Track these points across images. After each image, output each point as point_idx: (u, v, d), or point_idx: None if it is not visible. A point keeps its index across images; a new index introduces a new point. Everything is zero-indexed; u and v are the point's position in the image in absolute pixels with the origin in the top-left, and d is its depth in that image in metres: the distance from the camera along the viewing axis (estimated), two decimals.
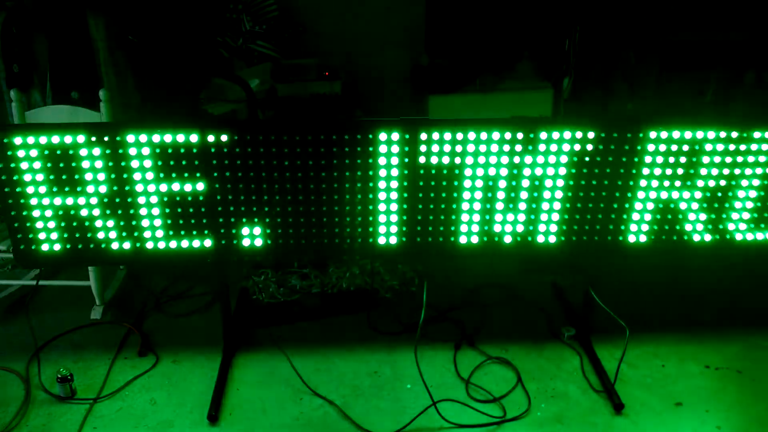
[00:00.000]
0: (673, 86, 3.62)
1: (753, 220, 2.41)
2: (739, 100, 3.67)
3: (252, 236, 2.32)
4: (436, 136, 2.19)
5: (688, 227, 2.39)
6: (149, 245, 2.32)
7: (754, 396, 2.44)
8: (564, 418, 2.33)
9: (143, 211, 2.26)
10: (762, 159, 2.30)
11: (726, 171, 2.31)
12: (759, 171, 2.32)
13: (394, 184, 2.26)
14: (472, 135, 2.19)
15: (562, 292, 3.05)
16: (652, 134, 2.23)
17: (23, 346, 2.67)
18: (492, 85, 3.79)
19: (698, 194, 2.34)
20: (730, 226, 2.41)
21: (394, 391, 2.46)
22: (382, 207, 2.29)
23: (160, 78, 3.50)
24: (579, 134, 2.21)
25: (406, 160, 2.22)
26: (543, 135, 2.20)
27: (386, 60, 4.11)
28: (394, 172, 2.24)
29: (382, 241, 2.35)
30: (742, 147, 2.27)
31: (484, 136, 2.19)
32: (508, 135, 2.20)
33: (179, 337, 2.79)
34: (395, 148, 2.20)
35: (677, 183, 2.31)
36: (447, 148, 2.21)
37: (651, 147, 2.24)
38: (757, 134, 2.26)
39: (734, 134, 2.25)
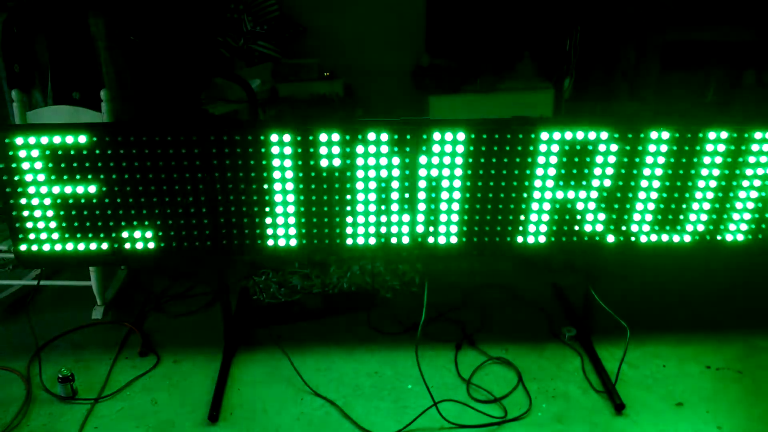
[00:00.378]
0: (673, 86, 3.62)
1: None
2: (738, 100, 3.68)
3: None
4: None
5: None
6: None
7: (755, 396, 2.43)
8: (565, 419, 2.33)
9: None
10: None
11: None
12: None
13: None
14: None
15: (563, 293, 3.05)
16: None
17: (24, 346, 2.67)
18: (493, 85, 3.80)
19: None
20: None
21: (394, 391, 2.46)
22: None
23: (161, 78, 3.50)
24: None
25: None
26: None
27: (387, 60, 4.11)
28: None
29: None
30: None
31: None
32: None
33: (180, 337, 2.80)
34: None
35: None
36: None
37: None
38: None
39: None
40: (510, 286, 3.12)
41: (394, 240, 2.37)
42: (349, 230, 2.34)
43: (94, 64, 3.09)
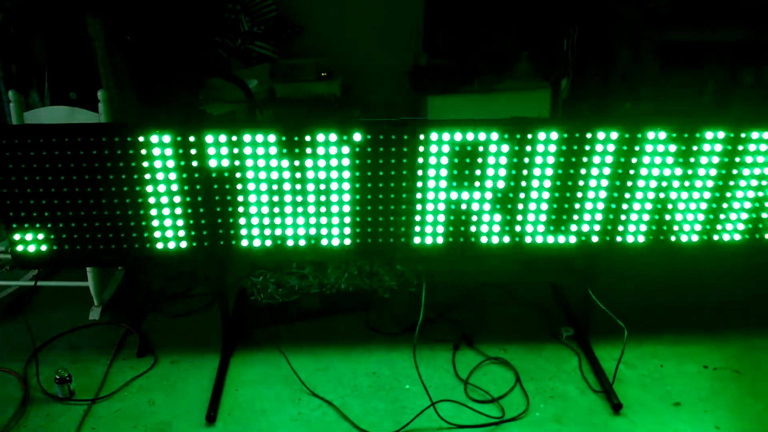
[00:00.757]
0: (671, 86, 3.63)
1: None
2: (736, 100, 3.68)
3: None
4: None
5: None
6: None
7: (753, 396, 2.44)
8: (563, 419, 2.33)
9: None
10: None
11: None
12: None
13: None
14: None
15: (561, 293, 3.05)
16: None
17: (21, 346, 2.67)
18: (491, 85, 3.79)
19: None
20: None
21: (392, 391, 2.46)
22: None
23: (159, 78, 3.50)
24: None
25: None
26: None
27: (385, 60, 4.11)
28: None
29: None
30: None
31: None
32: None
33: (177, 337, 2.79)
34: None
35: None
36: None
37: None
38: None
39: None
40: (508, 286, 3.12)
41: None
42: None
43: (91, 65, 3.09)
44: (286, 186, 2.27)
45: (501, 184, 2.30)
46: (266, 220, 2.32)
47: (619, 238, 2.43)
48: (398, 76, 4.04)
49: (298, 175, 2.25)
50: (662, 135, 2.26)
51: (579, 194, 2.33)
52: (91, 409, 2.38)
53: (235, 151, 2.21)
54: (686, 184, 2.35)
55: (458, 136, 2.22)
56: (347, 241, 2.38)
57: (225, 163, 2.23)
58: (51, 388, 2.43)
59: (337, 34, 4.09)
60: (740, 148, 2.31)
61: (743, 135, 2.29)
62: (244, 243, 2.36)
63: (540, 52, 3.90)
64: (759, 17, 3.40)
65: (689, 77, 3.65)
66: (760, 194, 2.39)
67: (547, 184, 2.31)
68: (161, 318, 2.94)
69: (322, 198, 2.30)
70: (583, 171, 2.29)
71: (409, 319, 2.83)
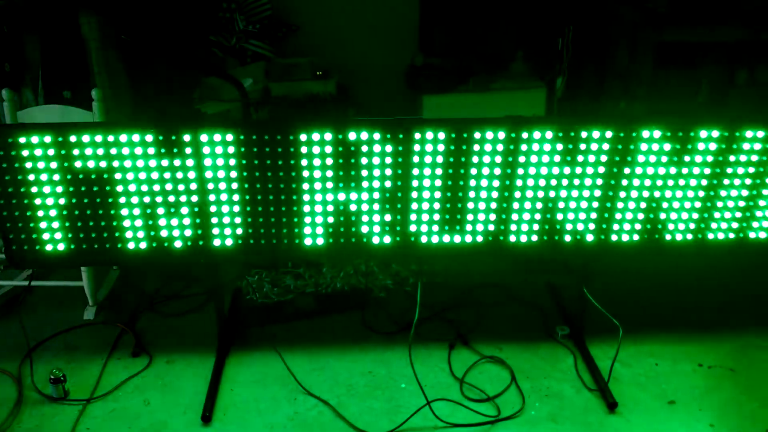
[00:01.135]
0: (666, 85, 3.63)
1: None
2: (731, 99, 3.69)
3: None
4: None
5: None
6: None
7: (748, 394, 2.45)
8: (558, 417, 2.33)
9: None
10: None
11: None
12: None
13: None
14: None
15: (557, 292, 3.05)
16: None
17: (16, 346, 2.66)
18: (486, 84, 3.80)
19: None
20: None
21: (388, 390, 2.46)
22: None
23: (153, 77, 3.49)
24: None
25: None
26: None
27: (380, 59, 4.11)
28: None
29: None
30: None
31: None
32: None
33: (173, 337, 2.78)
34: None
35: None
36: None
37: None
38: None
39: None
40: (504, 285, 3.13)
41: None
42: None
43: (85, 64, 3.07)
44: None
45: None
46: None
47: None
48: (394, 75, 4.05)
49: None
50: (648, 133, 2.25)
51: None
52: (86, 409, 2.38)
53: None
54: (681, 182, 2.34)
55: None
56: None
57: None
58: (45, 388, 2.43)
59: (332, 33, 4.09)
60: (734, 146, 2.31)
61: (737, 134, 2.29)
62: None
63: (535, 52, 3.91)
64: (756, 17, 3.41)
65: (685, 77, 3.66)
66: (751, 192, 2.39)
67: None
68: (156, 318, 2.93)
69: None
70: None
71: (404, 318, 2.84)
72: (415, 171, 2.26)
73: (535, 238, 2.40)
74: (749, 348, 2.70)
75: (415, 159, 2.24)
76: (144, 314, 2.95)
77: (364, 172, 2.26)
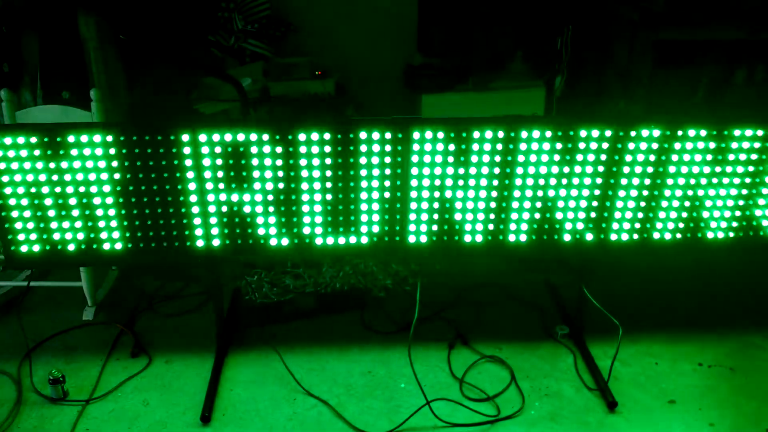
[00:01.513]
0: (666, 84, 3.63)
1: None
2: (729, 98, 3.69)
3: None
4: None
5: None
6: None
7: (747, 393, 2.45)
8: (558, 417, 2.33)
9: None
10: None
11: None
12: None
13: None
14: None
15: (557, 291, 3.05)
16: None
17: (15, 347, 2.66)
18: (484, 83, 3.79)
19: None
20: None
21: (387, 390, 2.46)
22: None
23: (152, 77, 3.48)
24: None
25: None
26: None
27: (379, 59, 4.10)
28: None
29: None
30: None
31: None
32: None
33: (172, 337, 2.78)
34: None
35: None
36: None
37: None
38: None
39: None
40: (504, 284, 3.12)
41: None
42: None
43: (83, 64, 3.07)
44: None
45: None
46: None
47: (590, 236, 2.41)
48: (393, 74, 4.04)
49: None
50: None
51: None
52: (85, 409, 2.37)
53: None
54: (669, 182, 2.34)
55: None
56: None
57: None
58: (44, 389, 2.42)
59: (331, 33, 4.08)
60: (723, 145, 2.31)
61: (725, 133, 2.29)
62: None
63: (534, 51, 3.90)
64: (754, 17, 3.41)
65: (683, 76, 3.66)
66: (744, 192, 2.39)
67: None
68: (155, 318, 2.93)
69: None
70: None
71: (404, 317, 2.83)
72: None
73: (528, 237, 2.40)
74: (749, 347, 2.70)
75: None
76: (143, 314, 2.95)
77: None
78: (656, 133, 2.25)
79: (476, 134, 2.22)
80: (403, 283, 3.15)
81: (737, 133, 2.29)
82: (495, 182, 2.30)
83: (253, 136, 2.19)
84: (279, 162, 2.23)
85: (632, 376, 2.52)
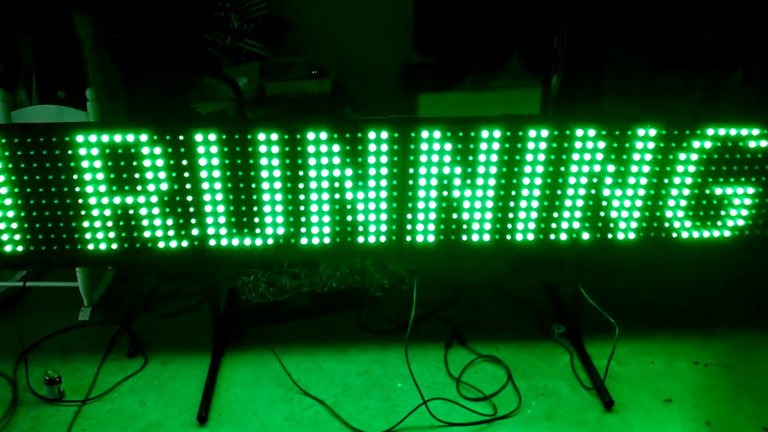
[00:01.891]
0: (662, 84, 3.63)
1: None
2: (726, 98, 3.69)
3: None
4: None
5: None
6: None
7: (743, 392, 2.45)
8: (554, 416, 2.33)
9: None
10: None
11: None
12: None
13: None
14: None
15: (553, 290, 3.05)
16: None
17: (10, 347, 2.65)
18: (481, 83, 3.80)
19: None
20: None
21: (384, 390, 2.46)
22: None
23: (148, 77, 3.48)
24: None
25: None
26: None
27: (376, 58, 4.10)
28: None
29: None
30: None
31: None
32: None
33: (168, 337, 2.78)
34: None
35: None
36: None
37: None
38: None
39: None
40: (501, 284, 3.12)
41: None
42: None
43: (79, 63, 3.06)
44: None
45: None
46: None
47: (585, 236, 2.42)
48: (390, 74, 4.04)
49: None
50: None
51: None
52: (82, 410, 2.37)
53: None
54: (676, 180, 2.35)
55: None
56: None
57: None
58: (40, 390, 2.42)
59: (327, 32, 4.08)
60: (730, 145, 2.31)
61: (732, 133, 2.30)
62: None
63: (531, 50, 3.90)
64: (751, 16, 3.41)
65: (680, 75, 3.66)
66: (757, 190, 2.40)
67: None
68: (152, 318, 2.92)
69: None
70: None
71: (401, 317, 2.83)
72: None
73: (536, 237, 2.41)
74: (745, 346, 2.70)
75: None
76: (139, 315, 2.94)
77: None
78: (652, 132, 2.27)
79: (484, 133, 2.23)
80: (399, 283, 3.15)
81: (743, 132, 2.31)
82: (502, 181, 2.31)
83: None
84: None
85: (629, 375, 2.53)
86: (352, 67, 4.08)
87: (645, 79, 3.58)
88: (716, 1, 3.46)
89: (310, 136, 2.21)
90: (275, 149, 2.23)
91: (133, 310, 2.97)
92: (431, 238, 2.39)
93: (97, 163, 2.23)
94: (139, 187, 2.27)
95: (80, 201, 2.27)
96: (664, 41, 3.51)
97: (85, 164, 2.22)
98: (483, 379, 2.50)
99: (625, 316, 2.55)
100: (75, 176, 2.23)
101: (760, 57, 3.60)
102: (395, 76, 4.02)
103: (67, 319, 2.88)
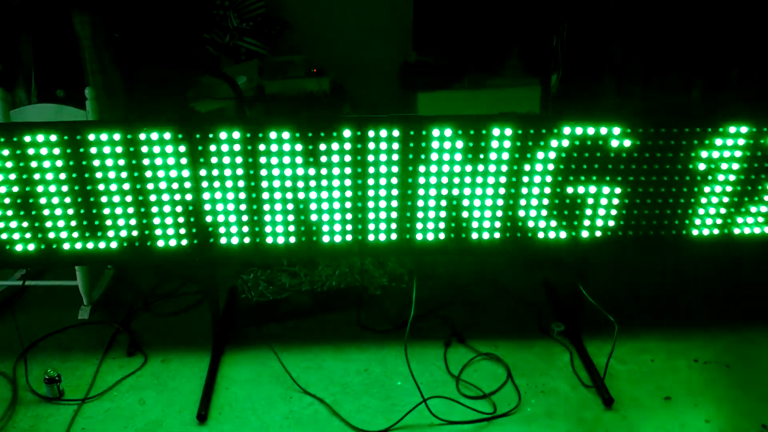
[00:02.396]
0: (660, 84, 3.64)
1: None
2: (723, 98, 3.69)
3: None
4: None
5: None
6: None
7: (742, 389, 2.45)
8: (554, 414, 2.33)
9: None
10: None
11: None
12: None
13: None
14: None
15: (552, 289, 3.06)
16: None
17: (10, 346, 2.65)
18: (480, 81, 3.80)
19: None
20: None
21: (384, 388, 2.46)
22: None
23: (147, 75, 3.47)
24: None
25: None
26: None
27: (375, 57, 4.10)
28: None
29: None
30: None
31: None
32: None
33: (168, 336, 2.78)
34: None
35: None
36: None
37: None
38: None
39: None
40: (500, 282, 3.13)
41: None
42: None
43: (78, 62, 3.06)
44: None
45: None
46: None
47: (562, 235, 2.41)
48: (388, 72, 4.04)
49: None
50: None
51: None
52: (81, 409, 2.37)
53: None
54: (658, 179, 2.35)
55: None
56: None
57: None
58: (40, 389, 2.42)
59: (327, 31, 4.08)
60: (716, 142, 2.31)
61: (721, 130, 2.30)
62: None
63: (530, 49, 3.90)
64: (749, 16, 3.42)
65: (679, 75, 3.66)
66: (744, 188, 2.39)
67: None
68: (151, 317, 2.92)
69: None
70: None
71: (400, 316, 2.83)
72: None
73: (545, 234, 2.41)
74: (744, 343, 2.71)
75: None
76: (139, 313, 2.94)
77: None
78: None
79: (495, 131, 2.22)
80: (399, 281, 3.15)
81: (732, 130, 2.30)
82: (511, 179, 2.31)
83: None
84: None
85: (628, 373, 2.53)
86: (352, 66, 4.08)
87: (644, 79, 3.58)
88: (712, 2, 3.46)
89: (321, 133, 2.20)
90: (286, 147, 2.21)
91: (132, 308, 2.97)
92: (442, 236, 2.38)
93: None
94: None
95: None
96: (663, 41, 3.51)
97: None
98: (483, 378, 2.51)
99: (624, 314, 2.55)
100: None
101: (758, 56, 3.61)
102: (394, 74, 4.02)
103: (66, 317, 2.88)
